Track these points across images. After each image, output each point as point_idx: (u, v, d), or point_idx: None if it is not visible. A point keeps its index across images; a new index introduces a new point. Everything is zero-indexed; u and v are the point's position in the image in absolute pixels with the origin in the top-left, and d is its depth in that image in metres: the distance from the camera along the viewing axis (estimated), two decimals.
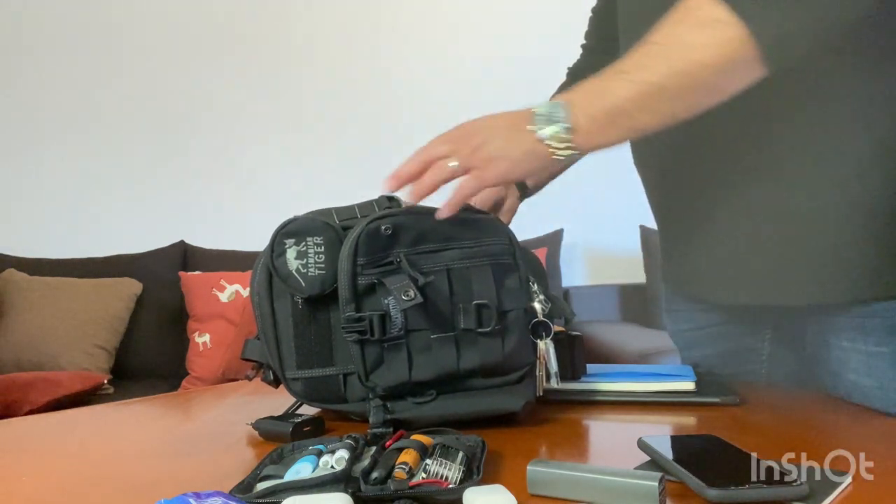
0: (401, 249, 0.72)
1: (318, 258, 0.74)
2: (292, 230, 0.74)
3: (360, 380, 0.73)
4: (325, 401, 0.76)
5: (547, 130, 0.69)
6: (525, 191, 1.06)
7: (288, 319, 0.75)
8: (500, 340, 0.72)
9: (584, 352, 0.86)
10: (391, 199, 0.78)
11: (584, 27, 1.14)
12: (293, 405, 0.79)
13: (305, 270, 0.73)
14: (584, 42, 1.14)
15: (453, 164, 0.71)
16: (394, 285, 0.69)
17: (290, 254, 0.74)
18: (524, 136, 0.70)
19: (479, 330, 0.71)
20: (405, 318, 0.71)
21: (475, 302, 0.71)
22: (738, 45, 0.66)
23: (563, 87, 1.10)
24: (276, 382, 0.79)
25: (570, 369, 0.85)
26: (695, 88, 0.69)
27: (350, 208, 0.78)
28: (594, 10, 1.11)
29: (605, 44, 1.05)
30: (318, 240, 0.74)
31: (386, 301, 0.70)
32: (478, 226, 0.76)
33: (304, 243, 0.74)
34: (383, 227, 0.72)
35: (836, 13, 0.68)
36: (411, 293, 0.67)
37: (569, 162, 0.73)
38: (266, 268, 0.76)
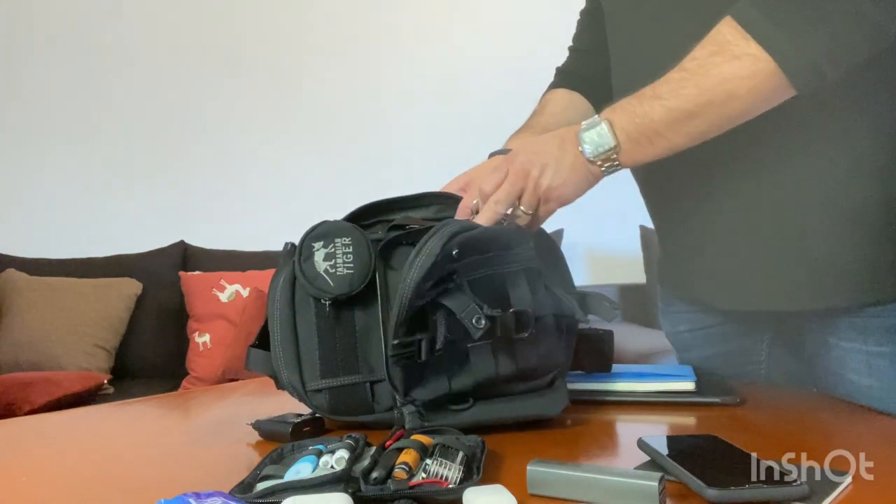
0: (452, 265, 0.69)
1: (347, 258, 0.74)
2: (320, 232, 0.75)
3: (397, 393, 0.70)
4: (350, 412, 0.74)
5: (596, 150, 0.76)
6: None
7: (312, 331, 0.74)
8: (535, 345, 0.71)
9: (613, 348, 0.87)
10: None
11: (574, 29, 1.15)
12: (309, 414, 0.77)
13: (334, 270, 0.74)
14: (571, 44, 1.14)
15: (523, 208, 0.77)
16: (460, 310, 0.66)
17: (318, 256, 0.74)
18: (576, 159, 0.76)
19: (516, 336, 0.69)
20: (447, 332, 0.68)
21: (513, 310, 0.69)
22: (768, 77, 0.71)
23: (553, 86, 1.11)
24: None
25: (603, 364, 0.86)
26: (724, 115, 0.74)
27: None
28: (583, 13, 1.12)
29: (594, 45, 1.06)
30: (347, 240, 0.75)
31: (434, 318, 0.68)
32: (506, 234, 0.75)
33: (332, 245, 0.75)
34: (454, 252, 0.68)
35: (861, 37, 0.70)
36: (483, 322, 0.65)
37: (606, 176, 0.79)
38: (288, 282, 0.76)
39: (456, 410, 0.71)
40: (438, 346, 0.67)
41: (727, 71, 0.72)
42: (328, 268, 0.74)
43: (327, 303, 0.74)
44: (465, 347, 0.69)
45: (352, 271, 0.73)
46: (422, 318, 0.68)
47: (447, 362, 0.69)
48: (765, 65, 0.71)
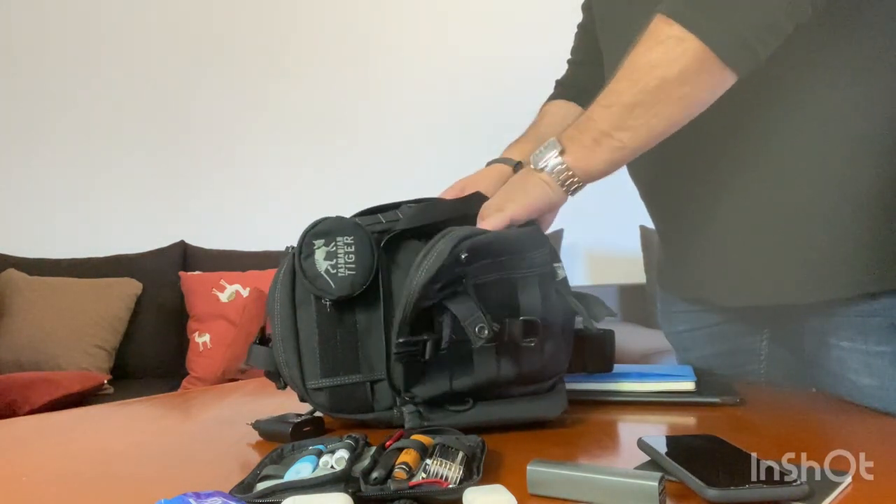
0: (462, 268, 0.68)
1: (349, 258, 0.72)
2: (322, 230, 0.73)
3: (396, 391, 0.71)
4: (350, 410, 0.73)
5: (548, 166, 0.76)
6: None
7: (312, 327, 0.73)
8: (540, 351, 0.71)
9: (614, 348, 0.86)
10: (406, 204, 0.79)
11: (573, 35, 1.16)
12: (308, 412, 0.77)
13: (335, 271, 0.71)
14: (570, 57, 1.15)
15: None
16: (464, 316, 0.66)
17: (319, 254, 0.72)
18: (532, 178, 0.78)
19: (523, 343, 0.69)
20: (452, 333, 0.68)
21: (522, 318, 0.69)
22: (695, 56, 0.71)
23: (553, 98, 1.12)
24: (285, 386, 0.77)
25: (604, 364, 0.85)
26: (663, 102, 0.73)
27: (374, 217, 0.77)
28: (580, 26, 1.13)
29: (591, 57, 1.07)
30: (349, 239, 0.72)
31: (440, 320, 0.67)
32: (523, 237, 0.74)
33: (333, 243, 0.72)
34: (463, 256, 0.67)
35: (779, 10, 0.70)
36: (485, 332, 0.65)
37: (574, 192, 0.78)
38: (289, 275, 0.74)
39: (455, 411, 0.71)
40: (443, 346, 0.67)
41: (654, 57, 0.73)
42: (329, 268, 0.72)
43: (328, 303, 0.72)
44: (468, 348, 0.68)
45: (354, 272, 0.72)
46: (427, 317, 0.68)
47: (450, 362, 0.69)
48: (690, 44, 0.71)
